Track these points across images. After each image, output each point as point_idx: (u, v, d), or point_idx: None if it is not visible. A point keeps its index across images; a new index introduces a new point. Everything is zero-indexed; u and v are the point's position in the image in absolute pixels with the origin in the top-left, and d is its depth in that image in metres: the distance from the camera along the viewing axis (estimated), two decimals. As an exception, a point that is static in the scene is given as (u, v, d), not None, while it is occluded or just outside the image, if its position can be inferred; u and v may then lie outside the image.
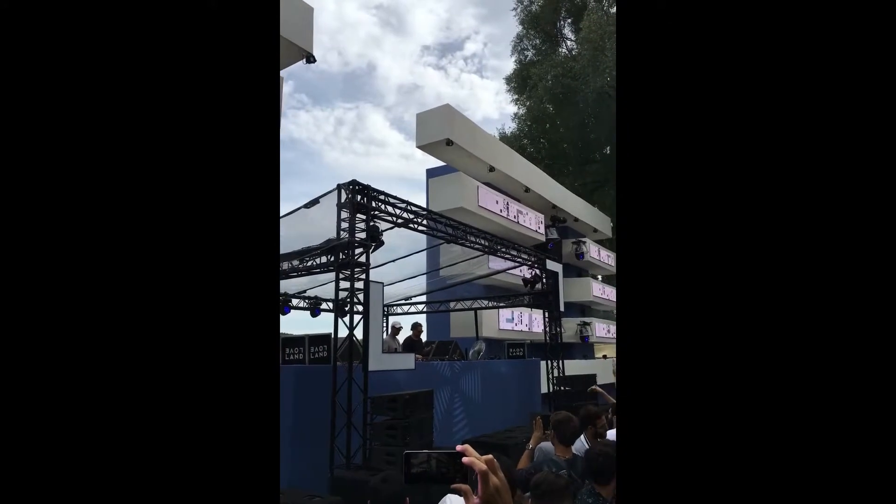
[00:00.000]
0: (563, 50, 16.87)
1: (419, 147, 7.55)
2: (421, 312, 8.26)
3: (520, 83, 17.44)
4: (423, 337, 7.60)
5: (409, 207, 4.56)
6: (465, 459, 0.74)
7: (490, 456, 0.76)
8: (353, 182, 3.95)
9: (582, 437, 3.06)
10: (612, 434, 3.37)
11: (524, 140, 16.69)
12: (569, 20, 16.75)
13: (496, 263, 7.54)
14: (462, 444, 0.78)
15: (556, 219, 10.75)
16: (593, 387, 5.83)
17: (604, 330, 12.48)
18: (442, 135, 7.33)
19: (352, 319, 3.88)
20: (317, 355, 4.86)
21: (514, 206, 8.94)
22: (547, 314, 7.22)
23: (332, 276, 4.34)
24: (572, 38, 16.35)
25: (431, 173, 8.87)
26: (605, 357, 12.46)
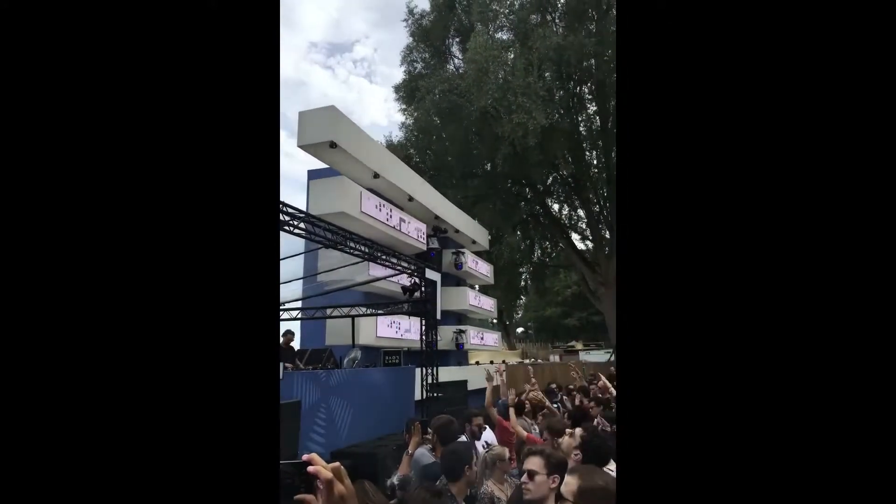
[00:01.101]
0: (451, 67, 17.49)
1: (300, 147, 7.24)
2: (295, 319, 7.87)
3: (408, 93, 17.66)
4: (296, 345, 7.24)
5: (286, 209, 4.34)
6: (309, 469, 0.72)
7: (336, 464, 0.74)
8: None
9: (462, 438, 3.16)
10: (487, 434, 3.53)
11: (410, 150, 16.90)
12: (457, 39, 17.44)
13: (376, 270, 7.49)
14: (331, 455, 0.75)
15: (438, 229, 11.03)
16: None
17: (478, 337, 13.04)
18: (326, 136, 7.11)
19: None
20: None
21: (397, 214, 8.99)
22: (424, 322, 7.35)
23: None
24: (460, 56, 17.03)
25: (313, 175, 8.55)
26: (477, 363, 13.01)
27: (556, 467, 1.84)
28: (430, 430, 2.96)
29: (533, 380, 5.79)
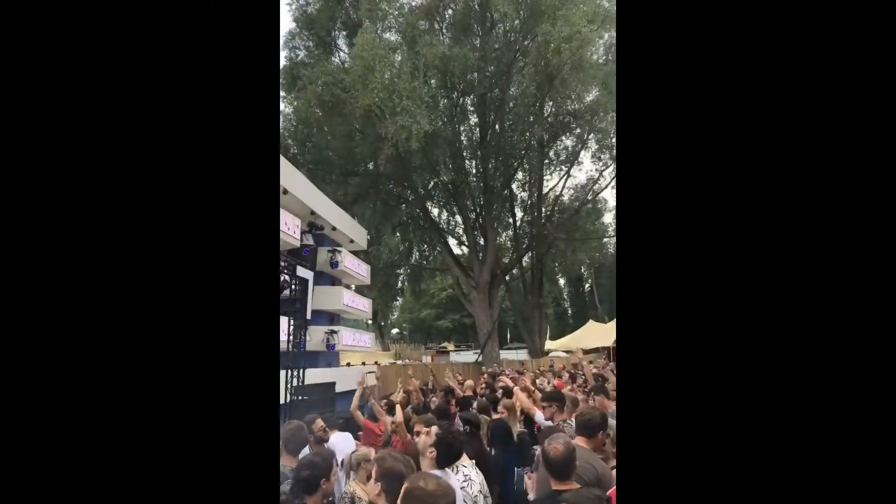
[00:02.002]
0: (337, 60, 16.99)
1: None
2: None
3: (289, 81, 16.74)
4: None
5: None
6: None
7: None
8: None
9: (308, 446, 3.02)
10: (335, 437, 3.42)
11: (289, 140, 16.03)
12: (344, 32, 17.01)
13: (241, 265, 6.91)
14: None
15: (314, 225, 10.58)
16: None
17: (351, 338, 12.77)
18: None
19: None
20: None
21: (269, 207, 8.41)
22: (292, 321, 6.98)
23: None
24: (346, 50, 16.63)
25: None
26: (348, 364, 12.74)
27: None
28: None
29: (413, 379, 5.81)
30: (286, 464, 2.62)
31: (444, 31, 15.77)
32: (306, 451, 2.96)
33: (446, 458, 2.27)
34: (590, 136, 17.03)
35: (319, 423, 3.27)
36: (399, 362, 17.72)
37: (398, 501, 1.44)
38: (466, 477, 2.41)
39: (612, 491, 2.14)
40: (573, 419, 3.40)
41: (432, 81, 14.07)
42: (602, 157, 17.50)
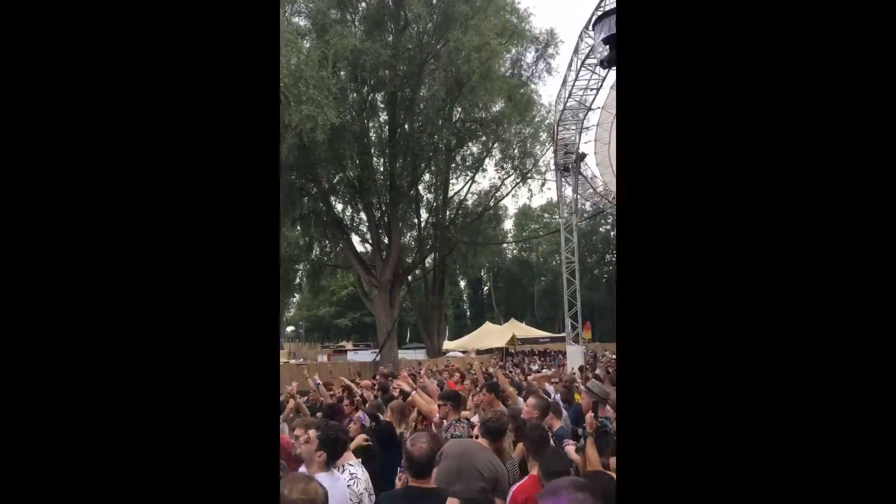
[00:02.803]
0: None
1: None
2: None
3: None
4: None
5: None
6: None
7: None
8: None
9: None
10: None
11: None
12: (249, 10, 15.94)
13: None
14: None
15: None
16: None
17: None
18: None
19: None
20: None
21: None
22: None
23: None
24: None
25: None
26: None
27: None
28: None
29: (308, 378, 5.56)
30: None
31: (357, 23, 15.46)
32: None
33: (333, 453, 2.26)
34: (494, 145, 17.72)
35: None
36: (293, 361, 16.97)
37: None
38: (353, 475, 2.43)
39: (515, 488, 2.29)
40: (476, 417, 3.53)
41: (342, 73, 13.72)
42: (505, 166, 18.30)
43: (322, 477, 2.15)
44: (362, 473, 2.51)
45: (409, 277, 19.80)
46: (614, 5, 8.68)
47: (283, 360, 17.79)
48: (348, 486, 2.33)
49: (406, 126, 16.06)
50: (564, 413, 3.95)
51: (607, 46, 8.29)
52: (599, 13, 8.97)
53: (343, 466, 2.44)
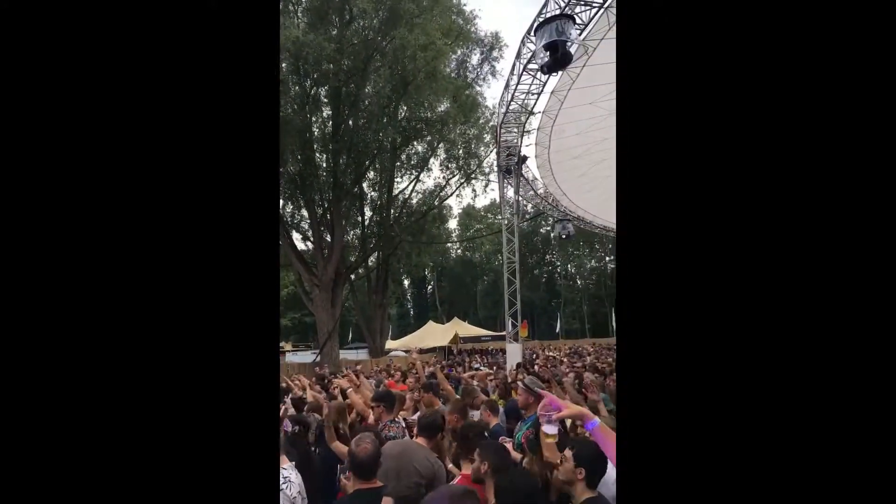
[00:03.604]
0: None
1: None
2: None
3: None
4: None
5: None
6: None
7: None
8: None
9: None
10: None
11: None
12: None
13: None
14: None
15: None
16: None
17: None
18: None
19: None
20: None
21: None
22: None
23: None
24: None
25: None
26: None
27: None
28: None
29: None
30: None
31: (300, 14, 15.02)
32: None
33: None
34: (439, 145, 17.81)
35: None
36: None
37: None
38: (286, 479, 2.41)
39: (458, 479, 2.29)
40: (414, 416, 3.52)
41: (283, 65, 13.27)
42: (450, 166, 18.45)
43: None
44: (296, 477, 2.48)
45: (352, 276, 19.49)
46: (557, 12, 8.97)
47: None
48: (281, 489, 2.29)
49: (350, 122, 15.79)
50: (500, 410, 4.03)
51: (548, 52, 8.54)
52: (541, 19, 9.23)
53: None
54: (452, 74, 15.80)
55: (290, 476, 2.43)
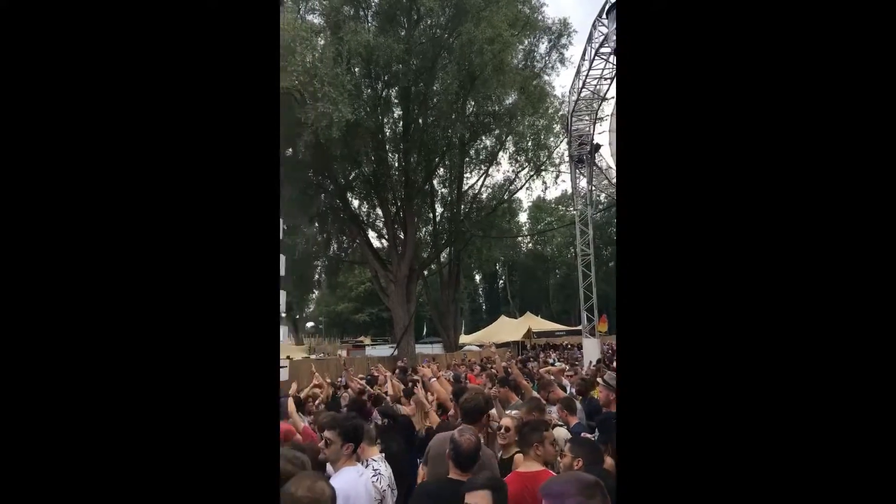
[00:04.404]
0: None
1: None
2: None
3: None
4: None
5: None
6: None
7: None
8: None
9: None
10: None
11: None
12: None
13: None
14: None
15: (223, 211, 9.96)
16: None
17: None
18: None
19: None
20: None
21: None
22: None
23: None
24: (265, 29, 15.74)
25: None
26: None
27: None
28: None
29: (315, 374, 5.69)
30: None
31: (370, 19, 15.50)
32: None
33: (354, 440, 2.26)
34: (508, 138, 17.64)
35: None
36: (313, 356, 17.23)
37: None
38: (376, 471, 2.42)
39: (509, 478, 2.20)
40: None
41: (356, 69, 13.79)
42: (519, 159, 18.22)
43: (349, 472, 2.18)
44: (385, 469, 2.50)
45: (425, 272, 19.88)
46: (629, -7, 8.54)
47: (303, 355, 18.06)
48: (372, 482, 2.32)
49: (420, 121, 16.08)
50: (580, 408, 3.90)
51: (622, 35, 8.16)
52: (613, 0, 8.86)
53: (367, 461, 2.45)
54: (519, 65, 15.58)
55: (380, 469, 2.45)
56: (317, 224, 18.88)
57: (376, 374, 5.65)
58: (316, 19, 14.80)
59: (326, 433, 2.24)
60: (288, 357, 13.54)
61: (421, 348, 20.65)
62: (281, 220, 13.99)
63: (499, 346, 19.25)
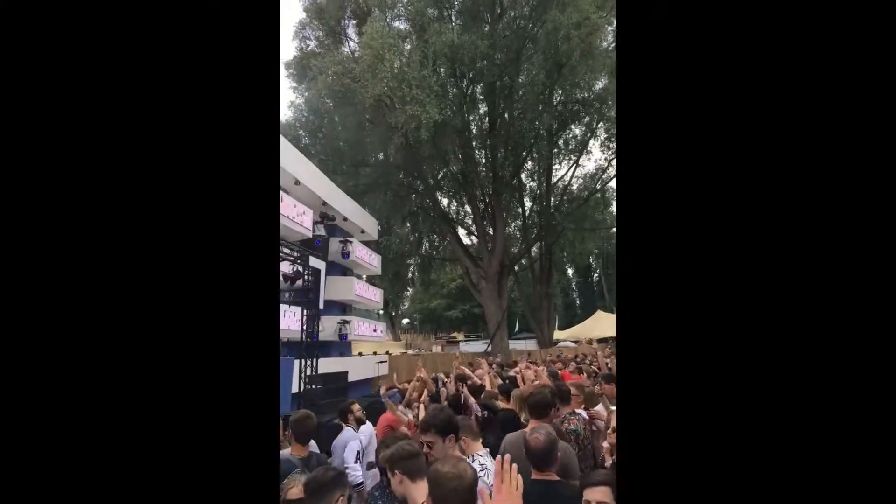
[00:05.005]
0: (346, 49, 16.95)
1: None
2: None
3: (299, 71, 16.77)
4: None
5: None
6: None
7: None
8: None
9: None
10: (366, 428, 3.48)
11: (300, 131, 16.09)
12: (353, 21, 16.95)
13: (255, 256, 7.01)
14: None
15: (326, 216, 10.67)
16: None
17: (363, 328, 12.91)
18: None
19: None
20: None
21: (281, 198, 8.50)
22: (305, 311, 7.07)
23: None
24: (355, 40, 16.58)
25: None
26: (360, 354, 12.88)
27: None
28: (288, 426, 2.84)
29: (420, 368, 5.85)
30: (294, 453, 2.69)
31: (454, 18, 15.65)
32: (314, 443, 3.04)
33: (452, 430, 2.27)
34: (598, 125, 16.89)
35: (357, 406, 3.32)
36: (410, 352, 17.87)
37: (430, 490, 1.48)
38: (483, 466, 2.37)
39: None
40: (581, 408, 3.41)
41: (441, 70, 14.01)
42: (611, 146, 17.35)
43: None
44: (491, 464, 2.41)
45: (516, 267, 19.71)
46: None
47: (400, 350, 18.80)
48: (479, 477, 2.32)
49: (505, 115, 15.94)
50: None
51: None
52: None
53: (472, 456, 2.43)
54: (609, 48, 14.81)
55: (486, 464, 2.39)
56: (409, 224, 19.51)
57: (448, 377, 5.71)
58: (402, 25, 15.27)
59: (423, 438, 2.26)
60: (387, 353, 14.19)
61: (514, 344, 20.52)
62: (376, 221, 14.47)
63: (599, 341, 18.53)
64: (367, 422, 3.69)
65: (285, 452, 2.69)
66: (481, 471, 2.32)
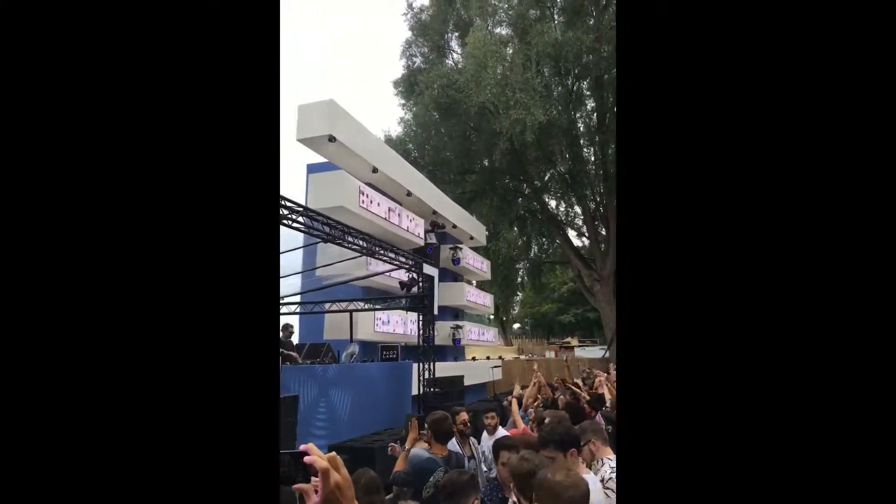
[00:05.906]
0: (450, 62, 17.44)
1: (299, 140, 7.21)
2: (294, 313, 7.88)
3: (407, 88, 17.61)
4: (294, 339, 7.26)
5: (285, 203, 4.34)
6: (306, 459, 0.73)
7: (333, 454, 0.75)
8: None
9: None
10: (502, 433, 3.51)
11: (409, 144, 16.87)
12: (456, 34, 17.39)
13: (375, 265, 7.49)
14: (329, 449, 0.76)
15: (436, 224, 11.04)
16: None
17: (475, 333, 13.09)
18: (324, 130, 7.09)
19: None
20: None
21: (396, 209, 8.98)
22: (421, 317, 7.37)
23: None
24: (459, 51, 16.99)
25: (312, 168, 8.53)
26: (474, 359, 13.06)
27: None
28: (426, 425, 2.98)
29: (537, 373, 5.76)
30: (435, 452, 2.81)
31: (556, 16, 15.31)
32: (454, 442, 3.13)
33: (572, 444, 2.16)
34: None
35: (464, 415, 3.38)
36: (522, 357, 17.69)
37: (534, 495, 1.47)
38: (613, 468, 2.30)
39: None
40: None
41: (545, 70, 13.77)
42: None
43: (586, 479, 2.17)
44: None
45: (634, 269, 18.53)
46: None
47: (513, 355, 18.69)
48: (610, 478, 2.21)
49: (615, 109, 15.16)
50: None
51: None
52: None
53: (602, 461, 2.38)
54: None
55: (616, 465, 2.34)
56: (516, 228, 19.39)
57: (592, 377, 5.48)
58: (504, 30, 15.31)
59: (543, 453, 2.21)
60: (500, 357, 14.20)
61: (634, 350, 19.23)
62: (484, 227, 14.53)
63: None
64: (472, 438, 3.59)
65: (424, 452, 2.82)
66: (611, 472, 2.23)
